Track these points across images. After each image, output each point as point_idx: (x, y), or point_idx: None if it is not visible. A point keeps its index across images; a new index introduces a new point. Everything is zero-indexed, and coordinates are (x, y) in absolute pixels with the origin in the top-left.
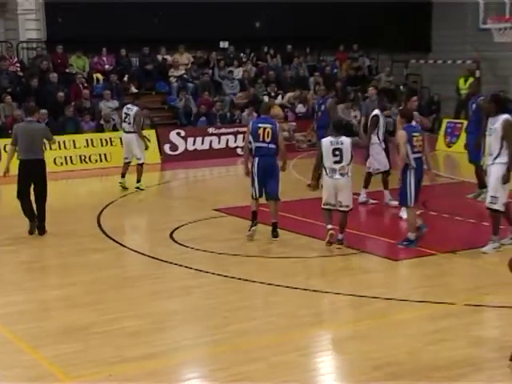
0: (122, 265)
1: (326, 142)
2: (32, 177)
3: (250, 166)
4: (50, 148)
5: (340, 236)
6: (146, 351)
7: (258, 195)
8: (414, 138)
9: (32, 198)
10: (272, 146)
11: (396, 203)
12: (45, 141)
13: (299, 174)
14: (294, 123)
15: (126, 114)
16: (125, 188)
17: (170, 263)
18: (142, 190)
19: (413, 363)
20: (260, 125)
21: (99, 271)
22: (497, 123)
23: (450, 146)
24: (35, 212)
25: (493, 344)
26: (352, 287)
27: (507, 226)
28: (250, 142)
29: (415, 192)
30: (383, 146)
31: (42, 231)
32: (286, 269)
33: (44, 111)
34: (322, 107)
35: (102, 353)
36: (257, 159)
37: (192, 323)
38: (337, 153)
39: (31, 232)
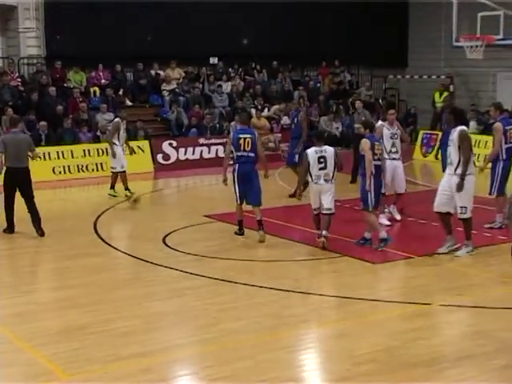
0: (116, 268)
1: (312, 152)
2: (18, 183)
3: (227, 174)
4: (33, 159)
5: (324, 232)
6: (139, 350)
7: (239, 201)
8: (375, 147)
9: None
10: (251, 154)
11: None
12: (29, 153)
13: (284, 182)
14: (280, 134)
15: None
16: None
17: (163, 266)
18: (114, 196)
19: (391, 360)
20: (240, 135)
21: (95, 274)
22: (454, 134)
23: (425, 156)
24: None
25: (466, 342)
26: (334, 289)
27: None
28: (231, 152)
29: (375, 197)
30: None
31: (42, 232)
32: (272, 271)
33: (44, 123)
34: (295, 120)
35: (98, 351)
36: (237, 166)
37: (183, 323)
38: (321, 160)
39: (5, 231)
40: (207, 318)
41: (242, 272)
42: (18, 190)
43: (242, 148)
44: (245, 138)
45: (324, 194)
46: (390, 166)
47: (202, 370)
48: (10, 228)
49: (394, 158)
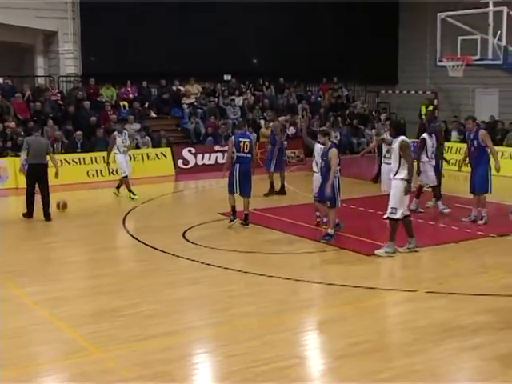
0: (142, 259)
1: (317, 148)
2: (38, 177)
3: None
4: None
5: (325, 219)
6: (162, 330)
7: (234, 191)
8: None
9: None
10: (249, 155)
11: (449, 210)
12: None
13: (288, 184)
14: (286, 142)
15: None
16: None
17: (182, 258)
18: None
19: (382, 340)
20: (241, 139)
21: (123, 264)
22: (395, 144)
23: (413, 161)
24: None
25: (447, 324)
26: (333, 278)
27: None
28: (233, 152)
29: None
30: (433, 163)
31: (48, 217)
32: (278, 262)
33: (79, 132)
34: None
35: (126, 331)
36: (237, 165)
37: (200, 308)
38: (324, 158)
39: (25, 215)
40: (221, 303)
41: (252, 263)
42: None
43: (241, 150)
44: (244, 142)
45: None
46: (384, 169)
47: (216, 348)
48: (29, 213)
49: (388, 163)
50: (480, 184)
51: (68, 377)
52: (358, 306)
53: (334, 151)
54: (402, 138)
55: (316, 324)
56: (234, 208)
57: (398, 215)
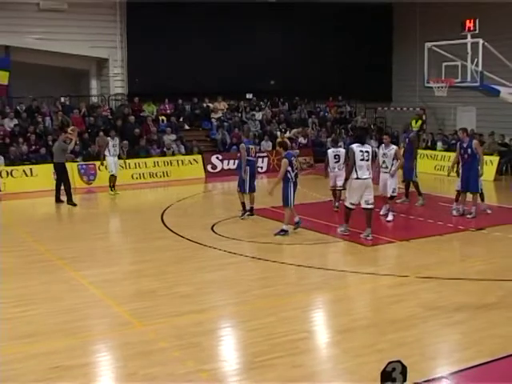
0: (177, 248)
1: (330, 151)
2: (57, 172)
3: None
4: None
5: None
6: (194, 308)
7: (247, 190)
8: (293, 160)
9: None
10: (254, 158)
11: (490, 211)
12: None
13: (301, 186)
14: (298, 150)
15: None
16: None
17: (211, 247)
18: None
19: (378, 317)
20: (250, 146)
21: (162, 252)
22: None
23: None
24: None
25: (433, 304)
26: (337, 265)
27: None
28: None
29: (293, 197)
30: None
31: (73, 204)
32: (291, 252)
33: (125, 142)
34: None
35: (164, 308)
36: (248, 168)
37: (226, 289)
38: (336, 157)
39: (57, 201)
40: (243, 286)
41: (269, 252)
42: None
43: (251, 154)
44: (252, 148)
45: (339, 176)
46: (381, 177)
47: (239, 323)
48: (58, 200)
49: (385, 172)
50: (473, 185)
51: (116, 345)
52: (358, 289)
53: (284, 161)
54: (352, 145)
55: (322, 303)
56: (244, 204)
57: (348, 204)
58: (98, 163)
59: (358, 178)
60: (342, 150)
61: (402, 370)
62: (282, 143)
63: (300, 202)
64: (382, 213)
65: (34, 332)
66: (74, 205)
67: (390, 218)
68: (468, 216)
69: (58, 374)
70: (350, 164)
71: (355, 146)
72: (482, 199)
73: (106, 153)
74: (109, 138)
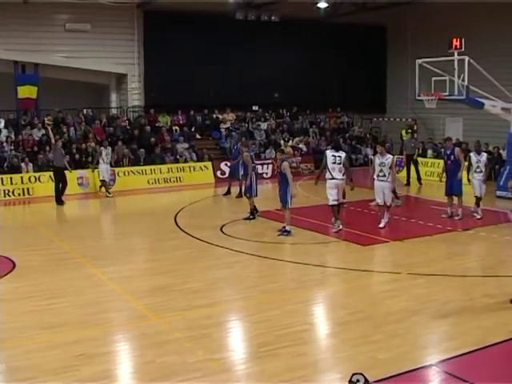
0: (189, 247)
1: (329, 154)
2: (55, 175)
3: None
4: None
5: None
6: (204, 302)
7: (255, 195)
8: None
9: None
10: (258, 166)
11: (479, 216)
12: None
13: (303, 191)
14: (300, 157)
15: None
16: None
17: (220, 247)
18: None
19: (374, 311)
20: (252, 154)
21: (175, 251)
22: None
23: (398, 173)
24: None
25: (424, 298)
26: (336, 263)
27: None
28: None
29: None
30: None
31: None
32: (294, 251)
33: (142, 150)
34: (235, 147)
35: (177, 303)
36: (253, 173)
37: (233, 285)
38: (337, 160)
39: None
40: (249, 282)
41: (274, 251)
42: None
43: (253, 161)
44: (253, 156)
45: (340, 189)
46: (378, 185)
47: (245, 316)
48: (60, 202)
49: (381, 180)
50: (458, 188)
51: (134, 336)
52: (354, 284)
53: (285, 163)
54: (328, 151)
55: (322, 298)
56: (255, 208)
57: (331, 202)
58: (89, 170)
59: (332, 178)
60: (342, 154)
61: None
62: (281, 150)
63: (302, 205)
64: (381, 226)
65: (60, 323)
66: (63, 203)
67: (382, 224)
68: (456, 218)
69: (81, 361)
70: (322, 166)
71: (329, 151)
72: (478, 204)
73: (100, 160)
74: (102, 148)
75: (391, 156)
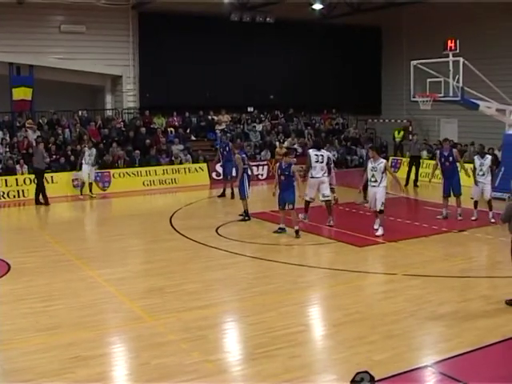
0: (184, 249)
1: (312, 153)
2: (38, 176)
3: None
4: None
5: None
6: (200, 304)
7: (248, 196)
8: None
9: None
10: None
11: (460, 218)
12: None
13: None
14: (295, 159)
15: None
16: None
17: (216, 248)
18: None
19: (369, 312)
20: (243, 155)
21: (170, 253)
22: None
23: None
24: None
25: (419, 299)
26: (331, 264)
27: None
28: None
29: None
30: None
31: (41, 202)
32: (289, 252)
33: (137, 151)
34: (227, 148)
35: (173, 304)
36: (245, 175)
37: (229, 287)
38: (320, 158)
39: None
40: (245, 284)
41: (270, 252)
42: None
43: (245, 162)
44: (246, 157)
45: (322, 184)
46: (370, 191)
47: (241, 318)
48: (47, 203)
49: (373, 186)
50: (457, 189)
51: (129, 338)
52: (350, 286)
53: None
54: (310, 150)
55: (318, 299)
56: (247, 210)
57: (307, 198)
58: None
59: (312, 177)
60: (325, 154)
61: (370, 379)
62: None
63: (298, 206)
64: (375, 227)
65: (56, 325)
66: (41, 204)
67: (380, 232)
68: (459, 218)
69: (76, 363)
70: (306, 165)
71: (311, 151)
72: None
73: (83, 161)
74: (85, 149)
75: (384, 161)
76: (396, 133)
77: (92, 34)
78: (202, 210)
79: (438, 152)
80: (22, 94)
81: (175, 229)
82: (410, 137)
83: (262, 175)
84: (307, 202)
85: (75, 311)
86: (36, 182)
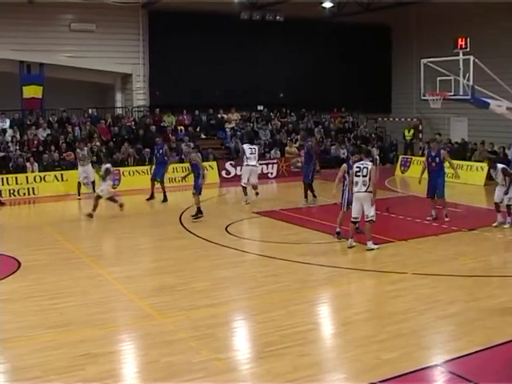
0: (194, 247)
1: (246, 147)
2: None
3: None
4: None
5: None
6: (209, 302)
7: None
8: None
9: None
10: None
11: (447, 219)
12: None
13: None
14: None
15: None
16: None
17: (225, 246)
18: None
19: (379, 310)
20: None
21: (180, 251)
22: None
23: (403, 173)
24: None
25: (429, 298)
26: (341, 262)
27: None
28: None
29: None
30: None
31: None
32: (299, 250)
33: (147, 149)
34: (161, 151)
35: (182, 302)
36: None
37: (238, 285)
38: (253, 150)
39: None
40: (254, 282)
41: (279, 251)
42: None
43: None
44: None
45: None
46: (355, 196)
47: (250, 316)
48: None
49: (359, 191)
50: (440, 191)
51: (138, 336)
52: (359, 285)
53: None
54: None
55: (327, 298)
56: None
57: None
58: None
59: (247, 165)
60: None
61: None
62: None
63: (308, 204)
64: (370, 247)
65: (65, 322)
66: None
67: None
68: (446, 219)
69: (86, 361)
70: (240, 155)
71: (246, 145)
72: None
73: (79, 162)
74: (79, 149)
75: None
76: (406, 131)
77: (102, 33)
78: (211, 209)
79: (426, 152)
80: (32, 92)
81: (185, 227)
82: (420, 135)
83: (271, 174)
84: (244, 187)
85: (84, 309)
86: None
